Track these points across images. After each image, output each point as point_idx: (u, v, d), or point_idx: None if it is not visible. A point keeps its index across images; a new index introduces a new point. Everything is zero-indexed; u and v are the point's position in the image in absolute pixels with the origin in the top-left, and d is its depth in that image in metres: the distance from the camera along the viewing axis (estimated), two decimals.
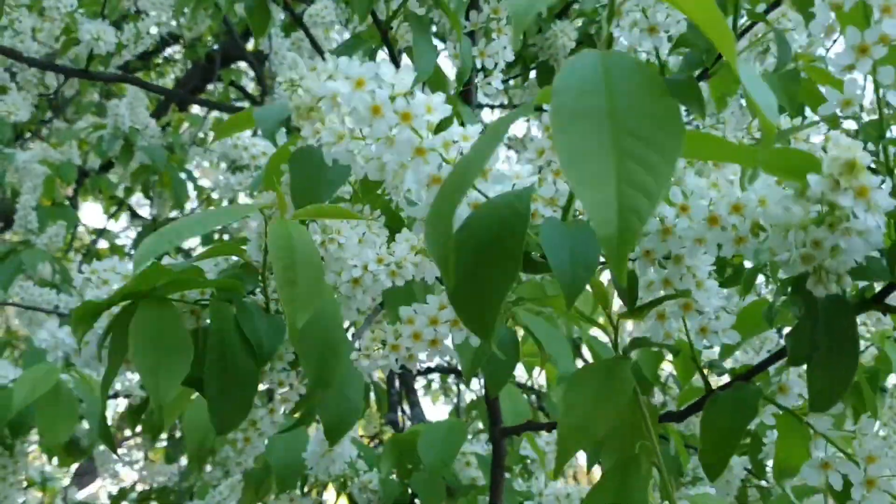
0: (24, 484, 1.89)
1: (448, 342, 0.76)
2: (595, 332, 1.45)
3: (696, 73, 0.90)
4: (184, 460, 2.49)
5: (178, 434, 2.37)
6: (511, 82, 1.88)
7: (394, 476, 1.47)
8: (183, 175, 2.52)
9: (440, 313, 0.77)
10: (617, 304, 0.81)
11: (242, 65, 3.64)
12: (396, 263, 0.93)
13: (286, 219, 0.77)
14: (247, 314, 0.87)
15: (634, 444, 0.79)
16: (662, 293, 0.75)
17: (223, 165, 2.70)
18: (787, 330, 0.79)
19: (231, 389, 0.83)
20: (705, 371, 0.84)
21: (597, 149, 0.43)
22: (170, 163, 2.43)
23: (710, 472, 0.76)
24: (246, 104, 3.89)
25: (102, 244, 3.22)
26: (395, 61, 0.96)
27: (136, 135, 2.38)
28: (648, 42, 0.88)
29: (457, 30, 0.91)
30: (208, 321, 0.89)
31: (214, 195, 2.77)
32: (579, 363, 1.59)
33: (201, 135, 2.80)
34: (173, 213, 2.65)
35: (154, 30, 1.88)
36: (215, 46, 3.18)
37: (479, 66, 1.00)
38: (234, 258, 1.04)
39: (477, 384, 2.28)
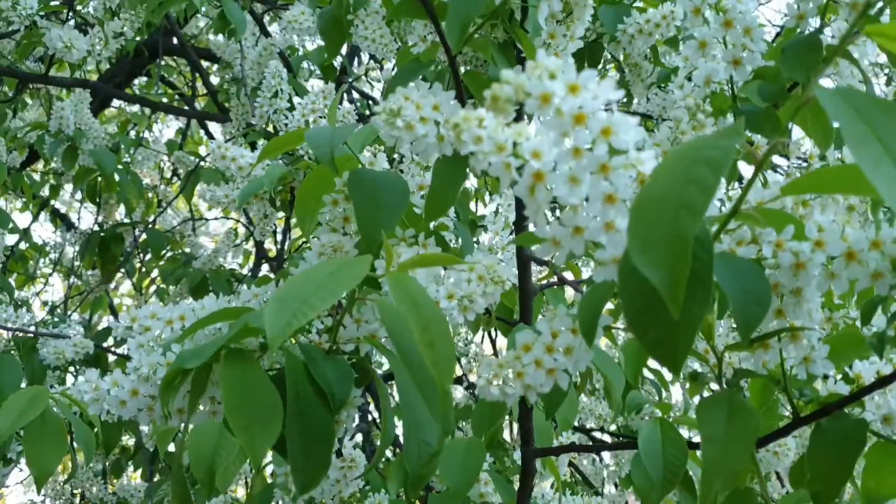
0: None
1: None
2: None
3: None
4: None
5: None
6: None
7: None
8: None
9: (556, 342, 0.76)
10: None
11: (171, 60, 3.49)
12: (467, 298, 0.91)
13: (399, 273, 0.73)
14: (314, 360, 0.83)
15: (745, 476, 0.79)
16: (774, 324, 0.76)
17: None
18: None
19: (311, 447, 0.80)
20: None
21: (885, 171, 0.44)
22: (117, 166, 2.29)
23: (819, 501, 0.77)
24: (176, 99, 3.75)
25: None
26: (459, 89, 0.92)
27: (82, 136, 2.24)
28: (725, 73, 0.88)
29: (533, 56, 0.88)
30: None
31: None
32: None
33: (145, 134, 2.66)
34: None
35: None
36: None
37: None
38: None
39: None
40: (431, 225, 1.10)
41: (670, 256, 0.54)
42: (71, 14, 1.67)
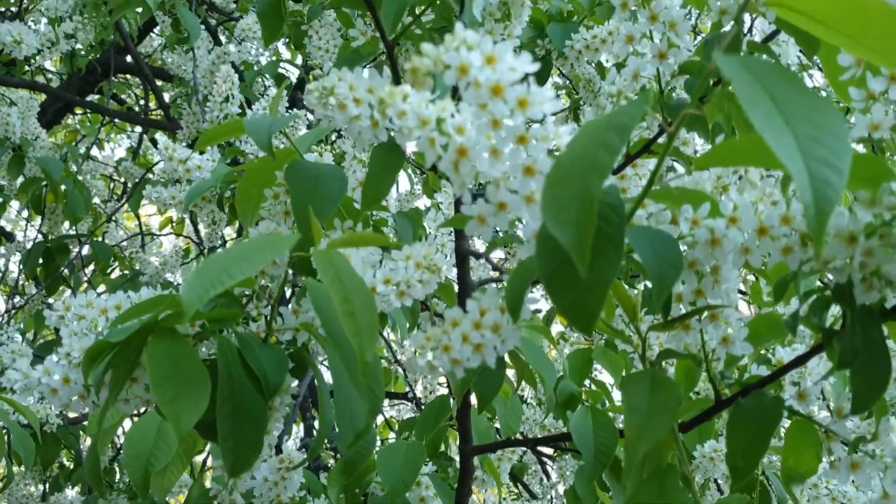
0: None
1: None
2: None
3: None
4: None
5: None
6: None
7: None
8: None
9: (483, 318, 0.77)
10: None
11: (124, 78, 3.47)
12: (405, 283, 0.92)
13: (326, 251, 0.74)
14: (248, 346, 0.84)
15: (668, 453, 0.81)
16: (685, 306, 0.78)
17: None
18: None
19: (243, 429, 0.80)
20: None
21: (778, 130, 0.46)
22: (64, 176, 2.27)
23: (737, 476, 0.79)
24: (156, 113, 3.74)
25: None
26: (397, 77, 0.94)
27: (28, 145, 2.21)
28: (652, 67, 0.91)
29: None
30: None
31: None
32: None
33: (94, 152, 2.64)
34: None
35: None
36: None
37: None
38: None
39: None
40: (371, 219, 1.12)
41: (577, 216, 0.56)
42: (17, 10, 1.66)
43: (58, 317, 0.97)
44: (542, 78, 1.79)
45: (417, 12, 0.91)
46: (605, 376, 1.76)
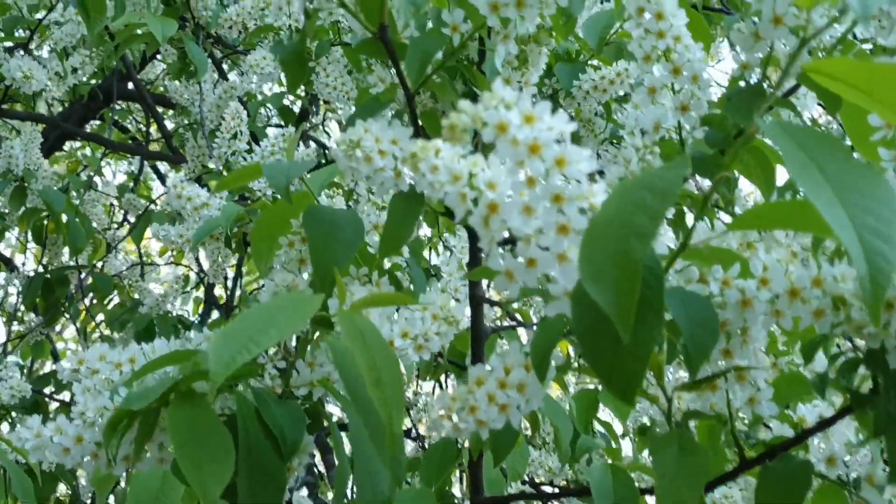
0: None
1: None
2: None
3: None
4: None
5: None
6: None
7: None
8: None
9: (508, 377, 0.76)
10: None
11: (126, 105, 3.47)
12: (422, 336, 0.91)
13: (350, 312, 0.73)
14: (265, 403, 0.82)
15: None
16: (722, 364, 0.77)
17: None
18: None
19: (262, 489, 0.78)
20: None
21: (828, 200, 0.46)
22: (66, 207, 2.25)
23: None
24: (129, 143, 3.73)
25: None
26: (417, 128, 0.94)
27: (31, 176, 2.20)
28: (674, 119, 0.91)
29: None
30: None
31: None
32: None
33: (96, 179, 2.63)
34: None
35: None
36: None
37: None
38: None
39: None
40: (385, 264, 1.10)
41: (619, 279, 0.55)
42: (26, 43, 1.66)
43: (71, 371, 0.95)
44: None
45: (438, 62, 0.91)
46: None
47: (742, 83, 0.90)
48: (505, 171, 0.64)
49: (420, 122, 0.99)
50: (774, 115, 0.96)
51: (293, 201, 1.03)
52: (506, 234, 0.69)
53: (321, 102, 2.57)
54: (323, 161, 2.39)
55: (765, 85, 0.86)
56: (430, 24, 1.39)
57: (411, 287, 1.11)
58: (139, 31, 1.87)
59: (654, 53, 0.88)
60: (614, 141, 2.01)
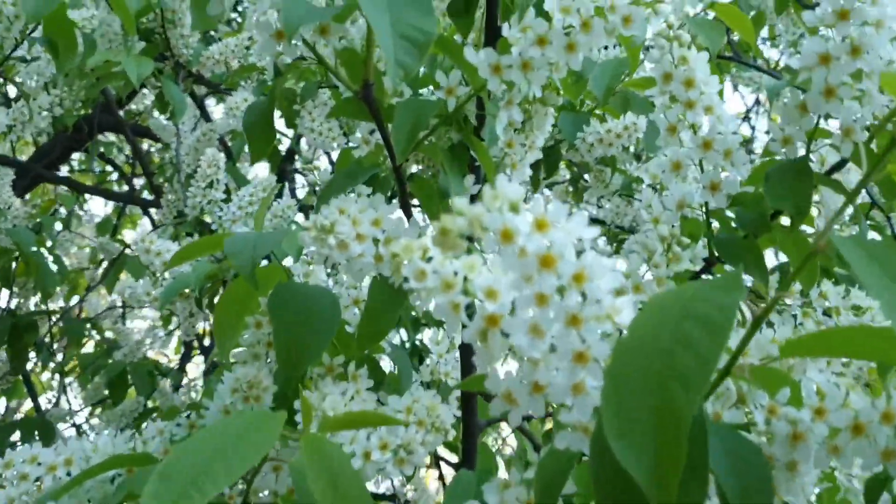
0: None
1: None
2: None
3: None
4: None
5: None
6: None
7: None
8: (50, 259, 2.21)
9: None
10: None
11: (113, 136, 3.35)
12: (405, 448, 0.78)
13: (315, 437, 0.60)
14: None
15: None
16: None
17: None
18: None
19: None
20: None
21: None
22: (37, 248, 2.12)
23: None
24: (114, 176, 3.60)
25: None
26: (405, 200, 0.82)
27: (1, 216, 2.07)
28: (701, 198, 0.79)
29: (490, 175, 0.78)
30: None
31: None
32: None
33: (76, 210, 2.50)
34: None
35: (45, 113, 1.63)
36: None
37: None
38: None
39: None
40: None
41: (660, 442, 0.43)
42: None
43: None
44: (550, 169, 1.67)
45: (430, 127, 0.78)
46: None
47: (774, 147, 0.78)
48: (509, 284, 0.51)
49: (409, 190, 0.87)
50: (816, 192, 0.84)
51: (261, 275, 0.90)
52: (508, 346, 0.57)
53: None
54: (312, 206, 2.27)
55: (811, 161, 0.74)
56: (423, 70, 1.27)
57: (395, 370, 0.98)
58: (116, 70, 1.76)
59: (682, 124, 0.76)
60: (621, 193, 1.89)
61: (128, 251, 2.20)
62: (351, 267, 0.70)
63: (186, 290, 1.43)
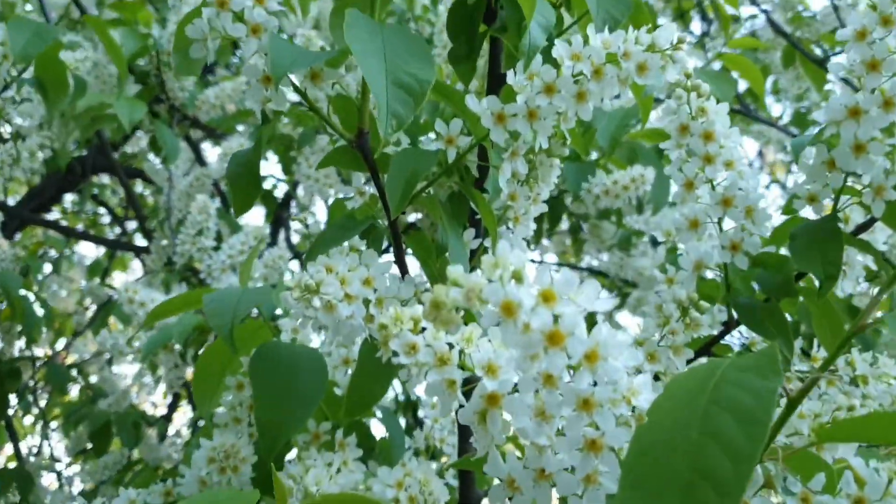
0: None
1: None
2: None
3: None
4: None
5: None
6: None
7: None
8: (37, 305, 2.14)
9: None
10: None
11: (107, 178, 3.31)
12: None
13: None
14: None
15: None
16: None
17: None
18: None
19: None
20: None
21: None
22: (24, 291, 2.06)
23: None
24: (106, 219, 3.56)
25: None
26: (401, 257, 0.76)
27: None
28: (721, 258, 0.73)
29: (492, 230, 0.72)
30: None
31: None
32: None
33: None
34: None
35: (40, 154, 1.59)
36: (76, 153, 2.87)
37: None
38: None
39: None
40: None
41: None
42: None
43: None
44: (553, 221, 1.62)
45: (429, 178, 0.73)
46: None
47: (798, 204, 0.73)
48: (512, 363, 0.45)
49: (405, 245, 0.81)
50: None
51: (244, 332, 0.84)
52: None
53: None
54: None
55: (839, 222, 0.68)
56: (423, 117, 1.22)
57: (387, 436, 0.91)
58: (109, 112, 1.72)
59: (700, 180, 0.71)
60: (622, 247, 1.84)
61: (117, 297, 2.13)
62: (339, 330, 0.64)
63: (170, 343, 1.37)
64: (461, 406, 0.50)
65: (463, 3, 0.80)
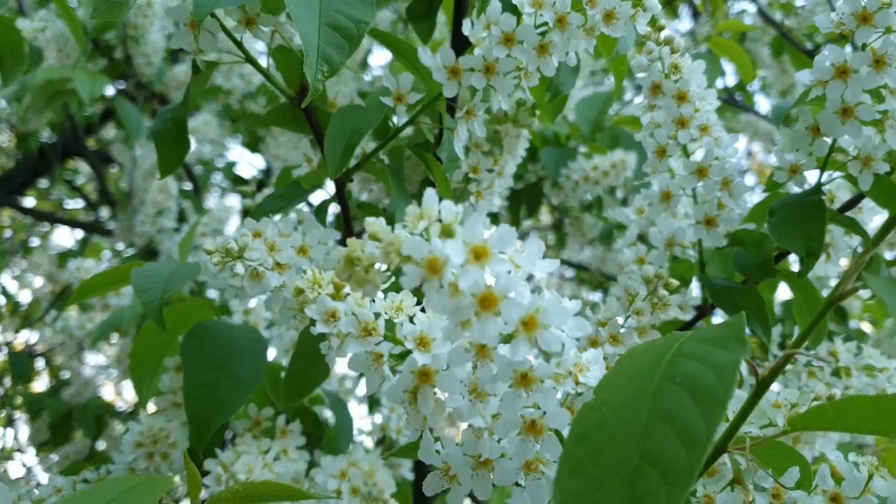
0: None
1: None
2: None
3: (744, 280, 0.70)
4: None
5: None
6: None
7: None
8: None
9: None
10: None
11: (83, 162, 3.24)
12: None
13: None
14: None
15: None
16: None
17: None
18: None
19: None
20: None
21: None
22: None
23: None
24: (80, 204, 3.48)
25: None
26: (349, 225, 0.70)
27: None
28: (694, 235, 0.67)
29: (447, 194, 0.66)
30: None
31: None
32: None
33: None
34: None
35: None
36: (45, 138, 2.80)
37: None
38: None
39: None
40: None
41: None
42: None
43: None
44: (531, 208, 1.56)
45: (376, 145, 0.67)
46: None
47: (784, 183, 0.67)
48: (440, 333, 0.39)
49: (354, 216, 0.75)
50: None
51: (185, 309, 0.78)
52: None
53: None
54: None
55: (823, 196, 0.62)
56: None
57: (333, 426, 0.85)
58: (71, 87, 1.64)
59: (673, 146, 0.65)
60: (604, 241, 1.78)
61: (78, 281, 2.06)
62: (271, 303, 0.58)
63: (124, 327, 1.30)
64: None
65: None
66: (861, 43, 0.56)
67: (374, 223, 0.37)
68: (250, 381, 0.67)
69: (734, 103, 1.83)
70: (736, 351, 0.33)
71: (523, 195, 1.51)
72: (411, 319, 0.43)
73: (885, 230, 0.51)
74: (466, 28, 0.60)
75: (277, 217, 0.64)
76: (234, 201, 2.52)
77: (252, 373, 0.68)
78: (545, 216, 2.17)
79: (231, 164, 1.92)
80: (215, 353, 0.68)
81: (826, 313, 0.39)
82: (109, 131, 3.18)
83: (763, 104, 2.57)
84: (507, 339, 0.37)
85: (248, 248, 0.54)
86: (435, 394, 0.43)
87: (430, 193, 0.36)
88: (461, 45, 0.76)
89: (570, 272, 2.36)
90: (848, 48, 0.58)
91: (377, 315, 0.43)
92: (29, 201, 3.50)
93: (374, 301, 0.43)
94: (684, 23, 2.72)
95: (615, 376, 0.37)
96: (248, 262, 0.54)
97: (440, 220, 0.36)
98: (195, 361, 0.67)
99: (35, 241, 2.95)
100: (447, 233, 0.36)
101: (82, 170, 3.23)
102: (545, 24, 0.58)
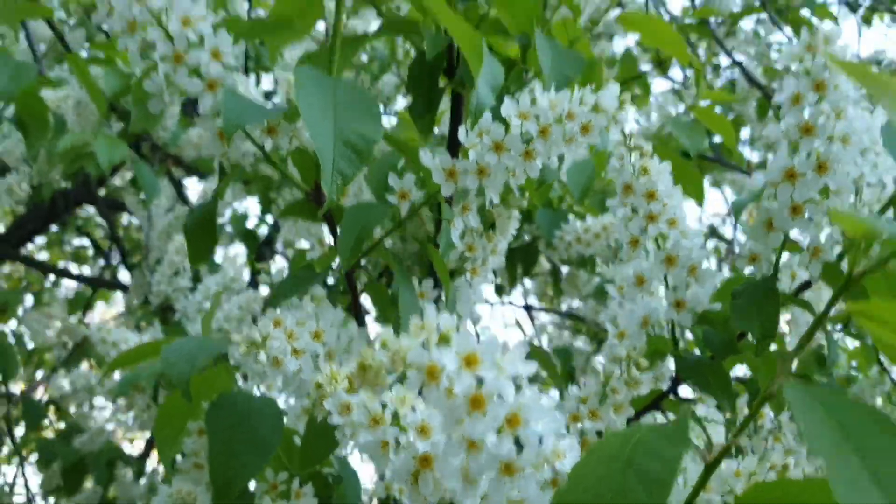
0: None
1: None
2: None
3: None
4: None
5: None
6: None
7: None
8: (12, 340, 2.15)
9: None
10: None
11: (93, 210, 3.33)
12: None
13: None
14: None
15: None
16: None
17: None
18: None
19: None
20: None
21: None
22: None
23: None
24: (89, 251, 3.56)
25: None
26: (357, 308, 0.77)
27: None
28: (666, 316, 0.75)
29: (445, 284, 0.74)
30: None
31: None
32: None
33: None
34: None
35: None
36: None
37: None
38: None
39: None
40: None
41: None
42: None
43: None
44: (528, 266, 1.64)
45: (383, 232, 0.75)
46: None
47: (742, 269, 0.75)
48: (439, 428, 0.46)
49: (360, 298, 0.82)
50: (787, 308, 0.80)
51: (206, 381, 0.85)
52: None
53: None
54: None
55: (778, 282, 0.70)
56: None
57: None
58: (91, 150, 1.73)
59: (645, 237, 0.73)
60: (598, 296, 1.85)
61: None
62: (288, 384, 0.65)
63: (140, 383, 1.37)
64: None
65: (423, 58, 0.83)
66: (806, 151, 0.64)
67: (385, 334, 0.44)
68: (268, 447, 0.74)
69: (721, 162, 1.91)
70: (679, 448, 0.41)
71: (519, 254, 1.59)
72: (413, 409, 0.51)
73: (825, 312, 0.58)
74: (462, 135, 0.68)
75: (295, 300, 0.72)
76: (240, 250, 2.59)
77: (269, 440, 0.74)
78: (544, 261, 2.24)
79: (244, 216, 2.00)
80: (236, 421, 0.75)
81: (762, 406, 0.46)
82: (120, 179, 3.28)
83: (755, 157, 2.66)
84: (495, 433, 0.45)
85: (269, 338, 0.61)
86: (434, 477, 0.50)
87: (430, 310, 0.44)
88: (456, 140, 0.84)
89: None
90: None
91: (384, 406, 0.50)
92: (39, 249, 3.58)
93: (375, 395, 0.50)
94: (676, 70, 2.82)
95: (585, 464, 0.44)
96: (271, 350, 0.61)
97: (439, 332, 0.43)
98: (218, 429, 0.73)
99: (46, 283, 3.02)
100: (444, 341, 0.44)
101: (93, 216, 3.31)
102: (529, 133, 0.66)
